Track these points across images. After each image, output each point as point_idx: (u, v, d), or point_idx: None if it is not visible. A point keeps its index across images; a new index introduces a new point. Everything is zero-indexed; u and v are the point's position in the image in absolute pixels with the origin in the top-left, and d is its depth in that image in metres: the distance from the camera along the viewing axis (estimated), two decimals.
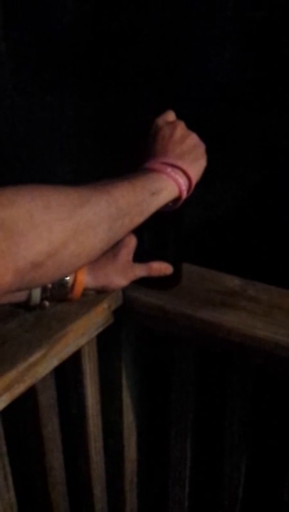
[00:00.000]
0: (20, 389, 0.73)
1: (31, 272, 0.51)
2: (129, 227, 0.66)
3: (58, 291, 0.82)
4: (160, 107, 0.83)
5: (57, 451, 0.95)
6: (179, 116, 0.82)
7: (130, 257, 0.87)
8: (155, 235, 0.89)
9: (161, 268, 0.88)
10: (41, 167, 1.33)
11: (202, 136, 0.80)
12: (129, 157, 0.78)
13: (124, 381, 1.00)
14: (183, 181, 0.73)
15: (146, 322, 0.91)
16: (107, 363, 0.98)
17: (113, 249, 0.86)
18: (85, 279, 0.83)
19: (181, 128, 0.78)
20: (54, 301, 0.83)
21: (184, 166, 0.74)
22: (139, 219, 0.67)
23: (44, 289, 0.80)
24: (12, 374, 0.71)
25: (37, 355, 0.74)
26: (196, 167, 0.76)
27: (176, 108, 0.83)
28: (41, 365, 0.76)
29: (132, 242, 0.87)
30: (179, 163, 0.74)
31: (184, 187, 0.73)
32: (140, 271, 0.87)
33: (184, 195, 0.74)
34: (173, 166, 0.73)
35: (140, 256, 0.88)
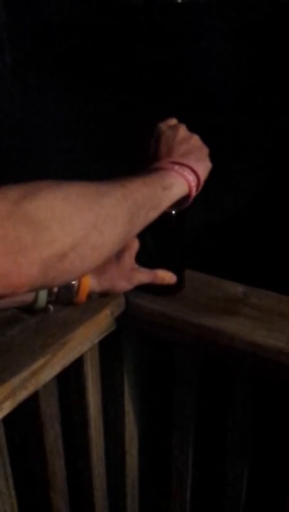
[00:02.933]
0: (23, 395, 0.73)
1: (56, 265, 0.52)
2: (145, 221, 0.67)
3: (64, 295, 0.82)
4: (161, 110, 0.84)
5: (59, 457, 0.95)
6: (179, 121, 0.83)
7: (133, 260, 0.87)
8: (158, 241, 0.89)
9: (165, 277, 0.88)
10: (43, 170, 1.34)
11: (203, 141, 0.81)
12: (132, 160, 0.80)
13: (126, 387, 1.00)
14: (192, 178, 0.75)
15: (149, 328, 0.91)
16: (110, 369, 0.98)
17: (117, 253, 0.87)
18: (89, 283, 0.83)
19: (183, 130, 0.81)
20: (60, 304, 0.83)
21: (191, 164, 0.76)
22: (153, 213, 0.69)
23: (50, 292, 0.80)
24: (15, 381, 0.71)
25: (40, 361, 0.75)
26: (202, 165, 0.78)
27: (176, 113, 0.84)
28: (44, 371, 0.76)
29: (135, 245, 0.88)
30: (186, 161, 0.76)
31: (193, 183, 0.75)
32: (145, 277, 0.87)
33: (194, 191, 0.76)
34: (180, 164, 0.75)
35: (143, 262, 0.88)
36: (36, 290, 0.53)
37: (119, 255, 0.86)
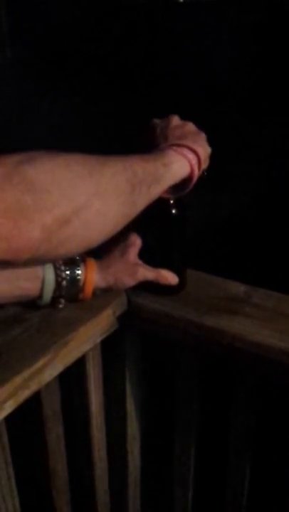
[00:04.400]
0: (25, 395, 0.73)
1: (59, 231, 0.52)
2: (148, 197, 0.68)
3: (70, 290, 0.82)
4: (161, 110, 0.85)
5: (61, 457, 0.95)
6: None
7: (137, 256, 0.87)
8: (160, 240, 0.89)
9: (168, 277, 0.88)
10: None
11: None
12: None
13: (128, 387, 1.00)
14: (191, 156, 0.76)
15: (151, 328, 0.91)
16: (112, 368, 0.98)
17: (120, 248, 0.87)
18: (95, 278, 0.83)
19: (176, 118, 0.82)
20: (65, 300, 0.83)
21: (188, 143, 0.76)
22: (156, 188, 0.69)
23: (56, 287, 0.80)
24: (17, 380, 0.71)
25: (42, 361, 0.75)
26: (201, 146, 0.79)
27: (176, 113, 0.84)
28: (46, 371, 0.76)
29: (138, 241, 0.88)
30: (183, 142, 0.76)
31: (194, 161, 0.76)
32: (149, 274, 0.87)
33: (196, 171, 0.76)
34: (177, 144, 0.76)
35: (145, 262, 0.88)
36: (40, 259, 0.54)
37: (123, 252, 0.86)
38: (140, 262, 0.88)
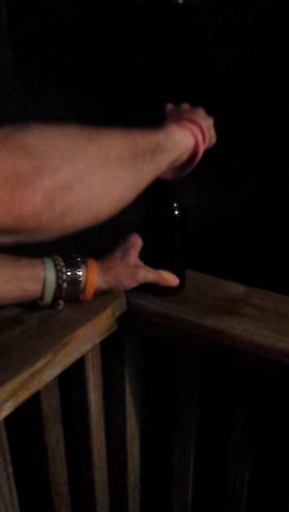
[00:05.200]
0: (24, 396, 0.73)
1: (62, 198, 0.52)
2: (154, 167, 0.66)
3: (71, 291, 0.82)
4: (161, 110, 0.85)
5: (60, 457, 0.95)
6: None
7: (138, 258, 0.88)
8: (160, 241, 0.89)
9: (169, 278, 0.88)
10: None
11: None
12: None
13: (127, 388, 1.00)
14: (195, 129, 0.75)
15: (150, 329, 0.91)
16: (111, 369, 0.98)
17: (121, 250, 0.87)
18: (96, 280, 0.83)
19: (186, 104, 0.82)
20: (66, 301, 0.83)
21: (192, 117, 0.76)
22: (161, 158, 0.68)
23: (57, 288, 0.80)
24: (17, 381, 0.71)
25: (41, 362, 0.75)
26: (204, 121, 0.78)
27: None
28: (45, 372, 0.76)
29: (139, 242, 0.88)
30: (186, 116, 0.76)
31: (197, 132, 0.75)
32: (150, 275, 0.87)
33: (201, 143, 0.76)
34: (180, 121, 0.75)
35: (145, 263, 0.88)
36: (47, 230, 0.53)
37: (124, 253, 0.86)
38: (141, 263, 0.88)
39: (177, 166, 0.77)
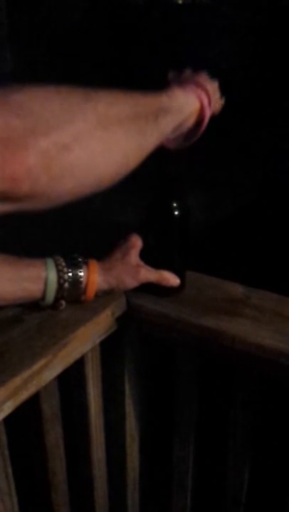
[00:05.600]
0: (24, 396, 0.73)
1: (59, 158, 0.49)
2: (159, 129, 0.63)
3: (72, 291, 0.82)
4: None
5: (59, 458, 0.95)
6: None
7: (138, 258, 0.88)
8: (160, 242, 0.89)
9: (170, 278, 0.88)
10: None
11: (203, 144, 0.80)
12: None
13: (127, 388, 1.00)
14: (199, 92, 0.72)
15: (150, 329, 0.91)
16: (110, 369, 0.98)
17: (121, 250, 0.87)
18: (97, 280, 0.83)
19: (189, 70, 0.78)
20: (68, 301, 0.83)
21: (196, 80, 0.73)
22: (165, 120, 0.64)
23: (58, 288, 0.80)
24: (16, 381, 0.71)
25: (41, 362, 0.75)
26: (209, 83, 0.75)
27: None
28: (45, 372, 0.76)
29: (139, 242, 0.88)
30: (190, 80, 0.73)
31: (204, 98, 0.72)
32: (151, 275, 0.87)
33: (206, 106, 0.72)
34: (184, 85, 0.72)
35: (145, 263, 0.88)
36: (45, 194, 0.50)
37: (124, 253, 0.86)
38: (142, 263, 0.88)
39: (182, 134, 0.74)
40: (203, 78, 0.76)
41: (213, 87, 0.76)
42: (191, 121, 0.72)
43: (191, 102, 0.71)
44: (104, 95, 0.57)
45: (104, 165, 0.55)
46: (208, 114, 0.73)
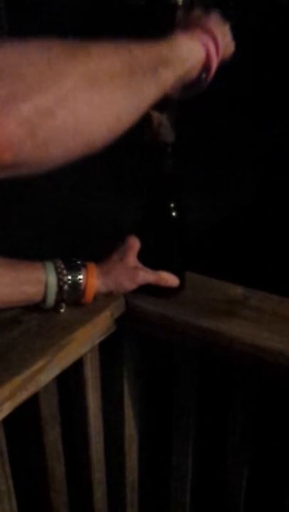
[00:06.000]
0: (22, 397, 0.73)
1: (44, 124, 0.45)
2: (158, 83, 0.57)
3: (71, 294, 0.82)
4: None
5: (58, 459, 0.95)
6: (178, 122, 0.82)
7: (137, 260, 0.87)
8: (159, 242, 0.89)
9: (169, 279, 0.88)
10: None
11: (203, 144, 0.80)
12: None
13: (126, 389, 1.00)
14: (206, 39, 0.64)
15: (149, 330, 0.91)
16: (109, 370, 0.98)
17: (119, 252, 0.87)
18: (96, 283, 0.83)
19: (199, 10, 0.70)
20: (67, 304, 0.83)
21: (204, 24, 0.65)
22: (165, 73, 0.58)
23: (58, 291, 0.80)
24: (15, 382, 0.71)
25: (40, 363, 0.75)
26: (219, 27, 0.67)
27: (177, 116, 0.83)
28: (44, 373, 0.76)
29: (137, 244, 0.88)
30: (198, 23, 0.65)
31: (211, 46, 0.64)
32: (149, 276, 0.87)
33: (213, 56, 0.65)
34: (190, 30, 0.65)
35: (144, 264, 0.88)
36: (30, 161, 0.46)
37: (122, 256, 0.86)
38: (140, 264, 0.88)
39: (186, 84, 0.66)
40: (213, 21, 0.67)
41: (223, 30, 0.68)
42: (195, 72, 0.64)
43: (196, 51, 0.64)
44: (95, 49, 0.51)
45: (94, 127, 0.50)
46: (214, 64, 0.65)
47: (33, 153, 0.46)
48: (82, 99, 0.48)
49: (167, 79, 0.58)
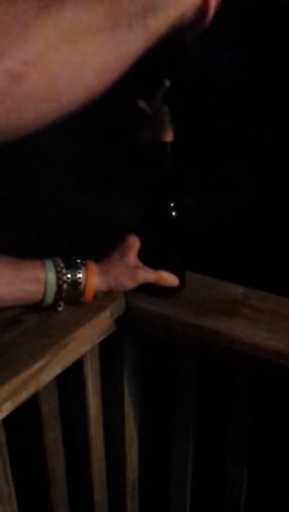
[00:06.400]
0: (23, 396, 0.73)
1: (13, 91, 0.39)
2: (147, 31, 0.48)
3: (71, 293, 0.82)
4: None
5: (58, 459, 0.95)
6: (178, 122, 0.82)
7: (137, 258, 0.87)
8: (159, 242, 0.89)
9: (169, 279, 0.88)
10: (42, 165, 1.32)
11: (203, 144, 0.80)
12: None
13: (126, 389, 1.00)
14: None
15: (149, 330, 0.91)
16: (110, 370, 0.98)
17: (120, 251, 0.87)
18: (95, 281, 0.83)
19: None
20: (66, 303, 0.83)
21: None
22: (154, 23, 0.48)
23: (58, 289, 0.80)
24: (15, 382, 0.71)
25: (40, 363, 0.75)
26: None
27: (175, 114, 0.83)
28: (44, 373, 0.76)
29: (137, 243, 0.88)
30: None
31: None
32: (149, 276, 0.87)
33: None
34: None
35: (144, 263, 0.88)
36: (7, 130, 0.41)
37: (122, 254, 0.86)
38: (140, 263, 0.88)
39: (182, 28, 0.55)
40: None
41: None
42: (190, 15, 0.55)
43: None
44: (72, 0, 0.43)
45: (72, 89, 0.44)
46: (213, 4, 0.55)
47: (2, 120, 0.41)
48: (58, 58, 0.41)
49: (158, 26, 0.49)
